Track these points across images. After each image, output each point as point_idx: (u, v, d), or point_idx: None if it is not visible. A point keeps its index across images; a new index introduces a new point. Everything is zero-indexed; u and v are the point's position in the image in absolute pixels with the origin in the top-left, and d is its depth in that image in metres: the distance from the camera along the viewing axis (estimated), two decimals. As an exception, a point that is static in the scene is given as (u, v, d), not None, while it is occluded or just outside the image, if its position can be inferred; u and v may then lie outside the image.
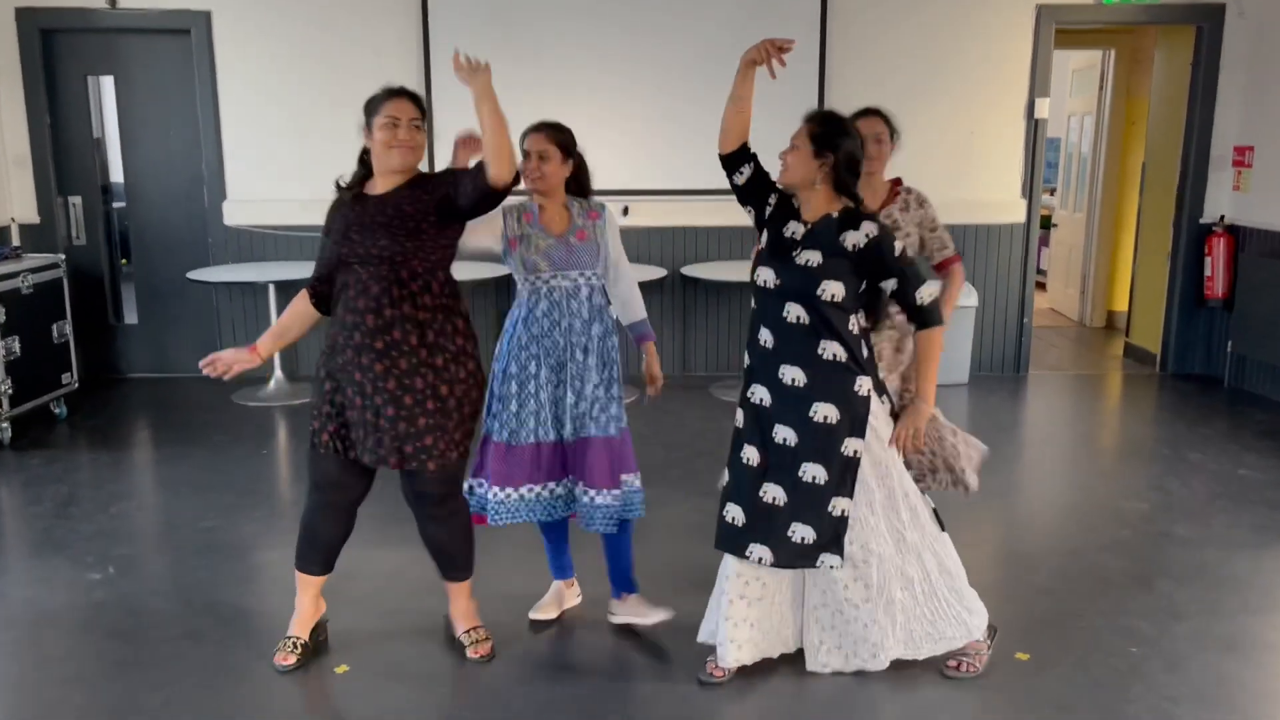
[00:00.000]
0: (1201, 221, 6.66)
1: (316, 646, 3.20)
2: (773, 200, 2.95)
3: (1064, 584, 3.70)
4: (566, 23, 6.35)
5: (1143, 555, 3.96)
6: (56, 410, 5.75)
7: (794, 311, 2.82)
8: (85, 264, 6.60)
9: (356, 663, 3.15)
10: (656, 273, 6.27)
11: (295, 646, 3.13)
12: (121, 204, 6.73)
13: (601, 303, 3.21)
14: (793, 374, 2.83)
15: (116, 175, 6.81)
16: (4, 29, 6.22)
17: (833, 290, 2.79)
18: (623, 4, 6.36)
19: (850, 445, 2.85)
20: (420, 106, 2.94)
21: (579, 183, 3.23)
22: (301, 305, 3.05)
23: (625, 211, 6.43)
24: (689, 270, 6.39)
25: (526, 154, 3.08)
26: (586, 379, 3.15)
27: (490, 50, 6.36)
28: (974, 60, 6.49)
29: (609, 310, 3.26)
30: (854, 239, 2.79)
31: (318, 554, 3.14)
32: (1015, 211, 6.67)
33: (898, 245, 2.83)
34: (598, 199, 3.27)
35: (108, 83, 6.53)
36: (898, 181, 3.43)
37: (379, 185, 2.94)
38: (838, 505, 2.86)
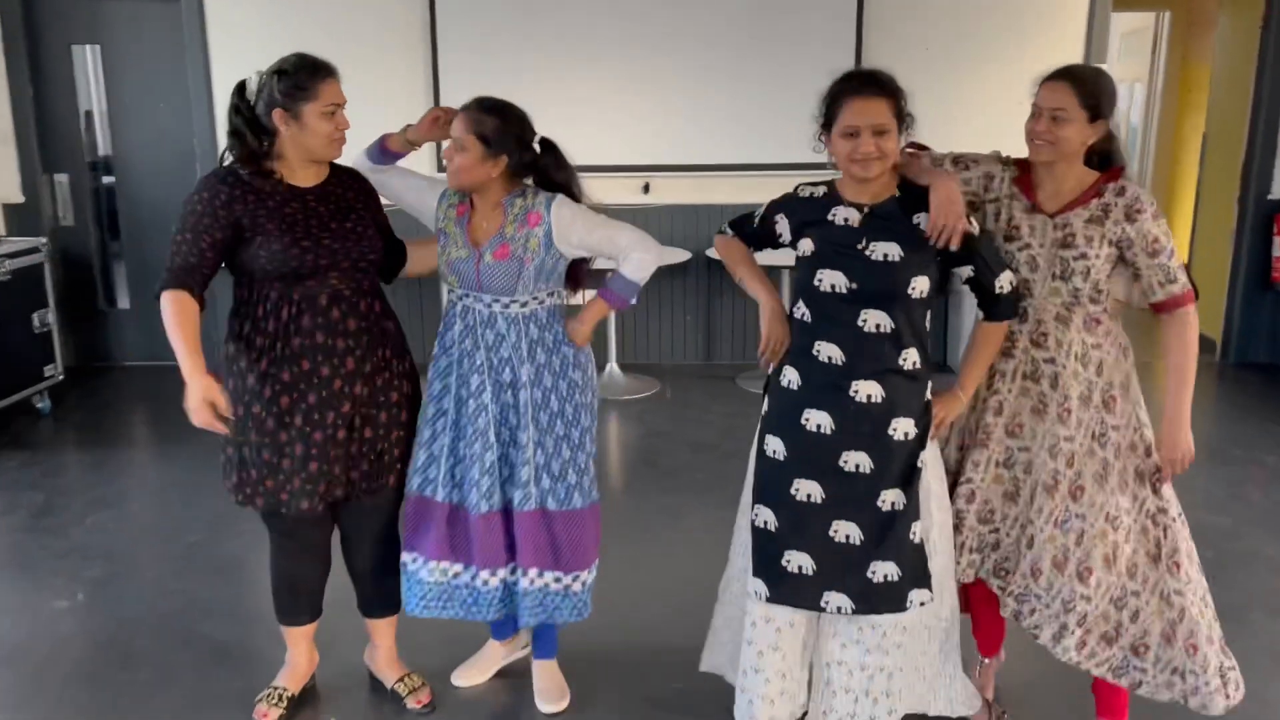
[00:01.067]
0: (1270, 198, 6.16)
1: (303, 696, 2.82)
2: (778, 221, 2.54)
3: (1146, 617, 3.27)
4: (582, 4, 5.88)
5: (1232, 581, 3.53)
6: (39, 405, 5.39)
7: (873, 319, 2.39)
8: (73, 245, 6.21)
9: (350, 713, 2.77)
10: (679, 255, 5.83)
11: (281, 699, 2.75)
12: (111, 179, 6.34)
13: (542, 335, 2.57)
14: (869, 390, 2.41)
15: (107, 150, 6.41)
16: (-19, -5, 5.81)
17: (922, 286, 2.39)
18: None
19: (924, 457, 2.47)
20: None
21: (553, 184, 2.58)
22: (193, 308, 2.38)
23: (646, 189, 5.99)
24: (713, 253, 5.94)
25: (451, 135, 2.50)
26: (521, 432, 2.56)
27: (507, 20, 6.07)
28: (1024, 20, 5.98)
29: (566, 347, 2.60)
30: (927, 220, 2.38)
31: (302, 602, 2.75)
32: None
33: (974, 221, 2.42)
34: (548, 194, 2.55)
35: (94, 52, 6.11)
36: (1106, 175, 2.46)
37: (300, 174, 2.48)
38: (916, 531, 2.46)
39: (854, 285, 2.38)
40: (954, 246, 2.35)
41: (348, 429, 2.51)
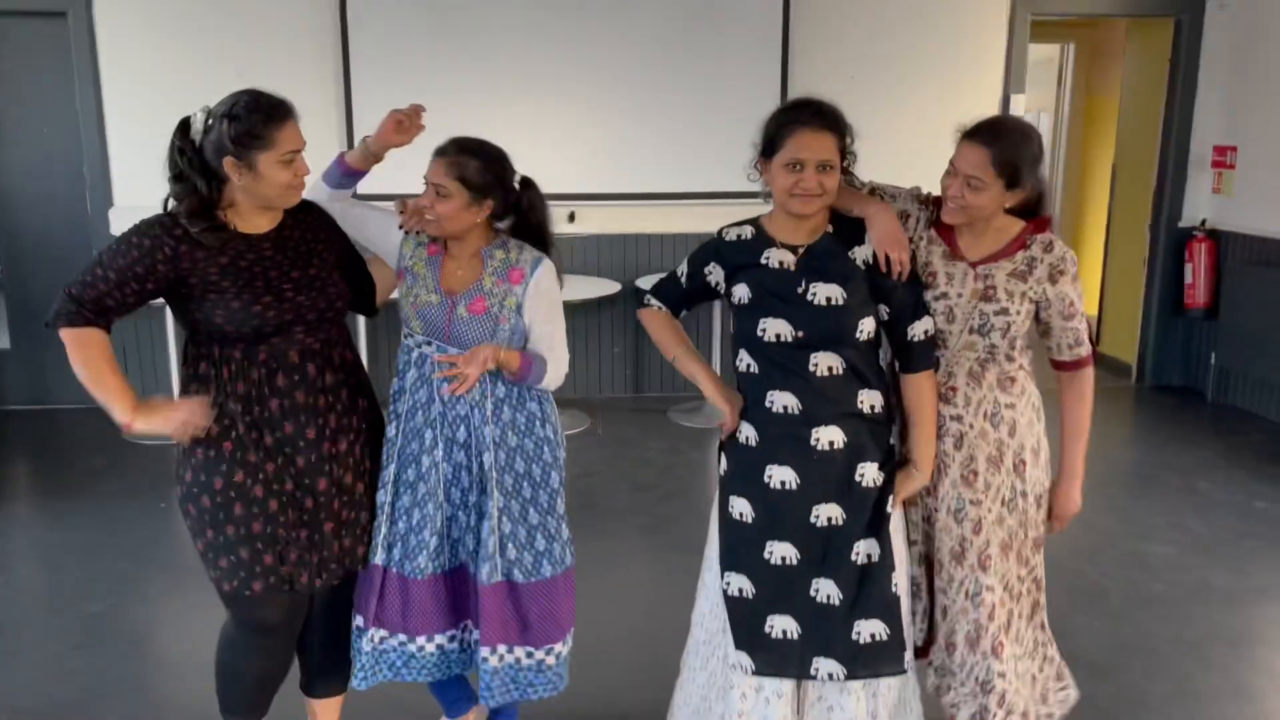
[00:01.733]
0: (1180, 225, 6.31)
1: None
2: (711, 270, 2.38)
3: (1113, 658, 3.21)
4: (505, 8, 5.69)
5: (1187, 615, 3.51)
6: (-90, 456, 4.91)
7: (825, 361, 2.24)
8: (-53, 280, 5.72)
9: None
10: (608, 287, 5.66)
11: None
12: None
13: (509, 392, 2.34)
14: (830, 436, 2.26)
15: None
16: None
17: (868, 328, 2.26)
18: (565, -13, 5.71)
19: (888, 504, 2.32)
20: None
21: (528, 225, 2.40)
22: (108, 344, 2.15)
23: (571, 218, 5.81)
24: (643, 282, 5.80)
25: (426, 183, 2.28)
26: (486, 498, 2.32)
27: (423, 43, 5.83)
28: (946, 49, 6.02)
29: (533, 400, 2.38)
30: (865, 253, 2.26)
31: (266, 696, 2.46)
32: (989, 216, 6.23)
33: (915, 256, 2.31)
34: (535, 253, 2.36)
35: (-31, 71, 5.65)
36: (1033, 224, 2.33)
37: (252, 220, 2.21)
38: (897, 582, 2.32)
39: (800, 333, 2.24)
40: (906, 275, 2.23)
41: (339, 496, 2.28)
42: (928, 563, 2.44)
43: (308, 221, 2.31)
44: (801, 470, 2.27)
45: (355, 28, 5.55)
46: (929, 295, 2.32)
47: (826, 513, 2.28)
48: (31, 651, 3.24)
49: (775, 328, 2.24)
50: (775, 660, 2.31)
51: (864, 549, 2.28)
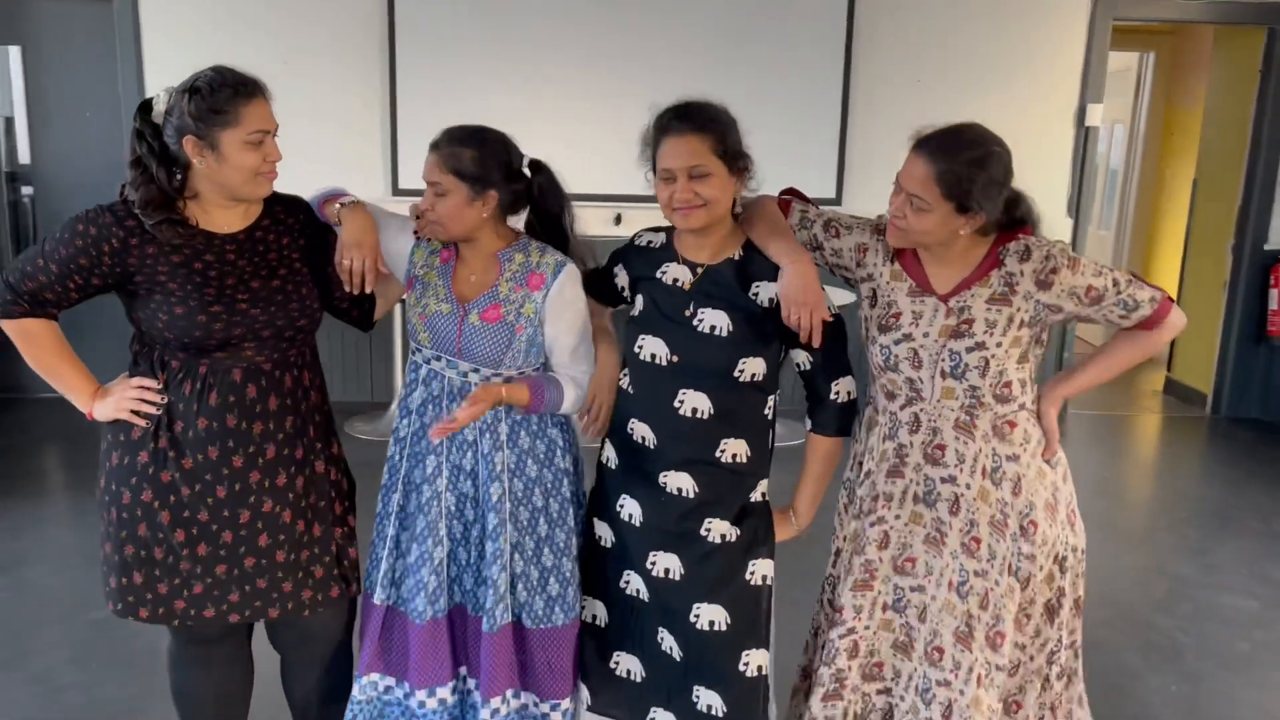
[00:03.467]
0: (1267, 248, 5.92)
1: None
2: (618, 272, 2.17)
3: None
4: (552, 4, 5.47)
5: (1267, 679, 3.18)
6: (-66, 444, 4.81)
7: (691, 400, 2.02)
8: (-15, 264, 5.65)
9: None
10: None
11: None
12: (30, 190, 5.77)
13: (527, 416, 2.10)
14: (678, 482, 2.05)
15: (26, 160, 5.85)
16: (-113, -15, 5.24)
17: (754, 369, 2.01)
18: (620, -20, 5.48)
19: (757, 570, 2.08)
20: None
21: (544, 215, 2.15)
22: (57, 329, 2.00)
23: (618, 220, 5.58)
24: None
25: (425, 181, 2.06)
26: (491, 532, 2.08)
27: (471, 38, 5.63)
28: (1019, 56, 5.69)
29: (555, 425, 2.16)
30: (770, 291, 2.00)
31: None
32: (1059, 231, 5.88)
33: (832, 307, 2.02)
34: (559, 256, 2.09)
35: (14, 54, 5.55)
36: (1003, 236, 2.00)
37: (218, 216, 1.98)
38: (751, 660, 2.07)
39: (674, 358, 2.01)
40: (815, 342, 1.96)
41: (270, 532, 2.03)
42: (903, 650, 2.14)
43: (289, 224, 2.08)
44: (647, 510, 2.08)
45: (402, 13, 5.37)
46: (888, 338, 2.03)
47: (664, 563, 2.08)
48: (30, 662, 3.07)
49: (652, 347, 2.05)
50: (615, 700, 2.18)
51: (707, 614, 2.05)
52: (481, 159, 2.01)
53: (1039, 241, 1.97)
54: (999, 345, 1.95)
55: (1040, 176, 5.82)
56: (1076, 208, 5.88)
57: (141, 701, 2.86)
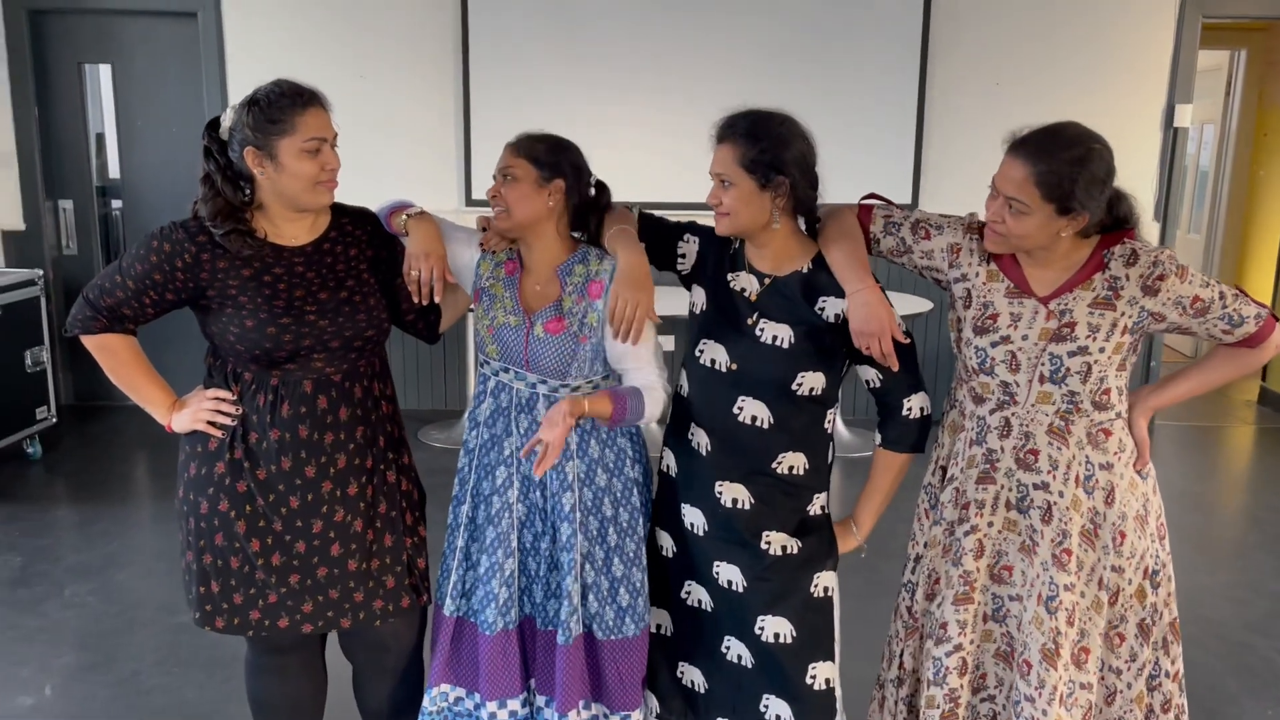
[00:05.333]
0: (1369, 252, 5.67)
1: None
2: (688, 240, 2.12)
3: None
4: (627, 10, 5.46)
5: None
6: (29, 449, 4.97)
7: (749, 409, 2.00)
8: (77, 275, 5.83)
9: None
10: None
11: None
12: (119, 204, 5.96)
13: (595, 425, 2.08)
14: (734, 493, 2.03)
15: (116, 174, 6.04)
16: (-12, 9, 5.46)
17: (813, 383, 1.99)
18: (692, -12, 5.46)
19: (820, 582, 2.05)
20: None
21: (587, 226, 2.14)
22: (135, 344, 2.06)
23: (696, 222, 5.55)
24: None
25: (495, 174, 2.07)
26: (565, 543, 2.07)
27: (545, 49, 5.66)
28: (1103, 56, 5.53)
29: (624, 434, 2.14)
30: (836, 308, 1.97)
31: None
32: (1146, 236, 5.65)
33: (902, 327, 1.99)
34: (611, 261, 2.07)
35: (105, 72, 5.75)
36: (1108, 238, 1.94)
37: (286, 229, 2.02)
38: (819, 673, 2.04)
39: (734, 365, 2.00)
40: (894, 367, 1.94)
41: (342, 541, 2.05)
42: (1005, 660, 2.08)
43: (356, 236, 2.10)
44: (709, 519, 2.07)
45: (476, 27, 5.43)
46: (984, 340, 1.97)
47: (726, 574, 2.07)
48: (117, 664, 3.14)
49: (712, 352, 2.04)
50: (681, 710, 2.18)
51: (771, 627, 2.03)
52: (554, 150, 2.05)
53: (1146, 246, 1.92)
54: (1102, 350, 1.90)
55: (1126, 180, 5.61)
56: (1164, 212, 5.70)
57: (222, 705, 2.92)
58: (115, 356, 2.04)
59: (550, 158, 2.03)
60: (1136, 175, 5.62)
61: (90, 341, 2.02)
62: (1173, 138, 5.62)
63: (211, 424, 2.00)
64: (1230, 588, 3.83)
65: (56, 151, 5.73)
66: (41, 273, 5.02)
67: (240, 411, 2.00)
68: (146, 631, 3.34)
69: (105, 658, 3.19)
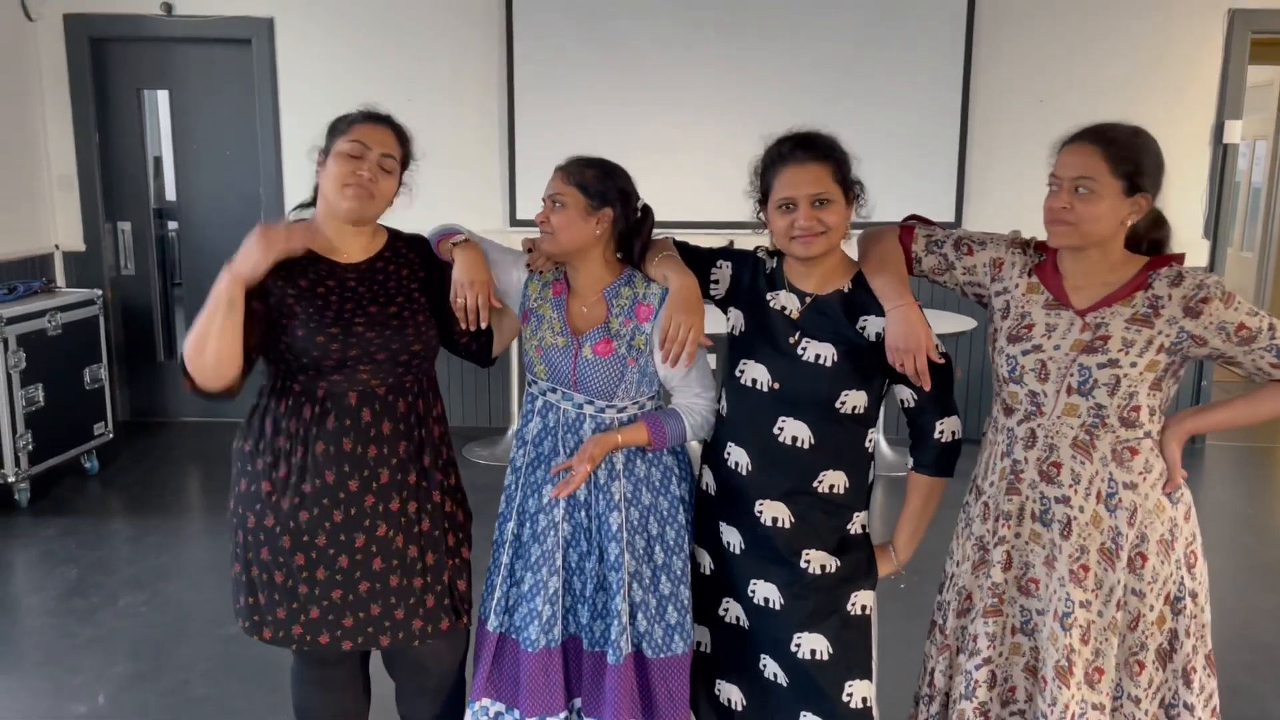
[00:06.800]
0: None
1: None
2: (721, 266, 2.14)
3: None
4: (669, 36, 5.52)
5: None
6: (87, 464, 5.11)
7: (791, 429, 2.02)
8: (134, 295, 6.00)
9: None
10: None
11: None
12: (175, 226, 6.12)
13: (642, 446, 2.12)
14: (774, 512, 2.05)
15: (172, 197, 6.21)
16: (51, 36, 5.65)
17: (855, 402, 2.01)
18: (731, 6, 5.50)
19: (858, 600, 2.06)
20: (404, 144, 2.11)
21: (631, 252, 2.15)
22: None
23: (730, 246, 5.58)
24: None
25: (544, 199, 2.11)
26: (613, 562, 2.09)
27: (586, 69, 5.73)
28: (1151, 73, 5.48)
29: (670, 453, 2.16)
30: (877, 326, 1.99)
31: None
32: (1195, 254, 5.61)
33: (940, 348, 2.01)
34: (658, 285, 2.10)
35: (163, 97, 5.92)
36: (1158, 259, 1.94)
37: (342, 246, 2.09)
38: (855, 692, 2.05)
39: (776, 385, 2.02)
40: (925, 385, 1.96)
41: (384, 557, 2.09)
42: (1033, 674, 2.07)
43: (409, 258, 2.16)
44: (747, 538, 2.08)
45: (520, 51, 5.52)
46: (1016, 349, 1.98)
47: (764, 592, 2.07)
48: (168, 674, 3.22)
49: (754, 372, 2.05)
50: None
51: (808, 644, 2.04)
52: (603, 177, 2.08)
53: (1194, 271, 1.91)
54: (1133, 365, 1.89)
55: (1176, 197, 5.54)
56: (1215, 229, 5.62)
57: (268, 715, 2.97)
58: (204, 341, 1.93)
59: (599, 186, 2.07)
60: (1186, 192, 5.57)
61: (188, 357, 1.97)
62: (1222, 154, 5.55)
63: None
64: (1283, 611, 3.75)
65: (116, 175, 5.91)
66: (100, 293, 5.17)
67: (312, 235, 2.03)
68: (197, 642, 3.42)
69: (156, 667, 3.27)
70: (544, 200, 2.09)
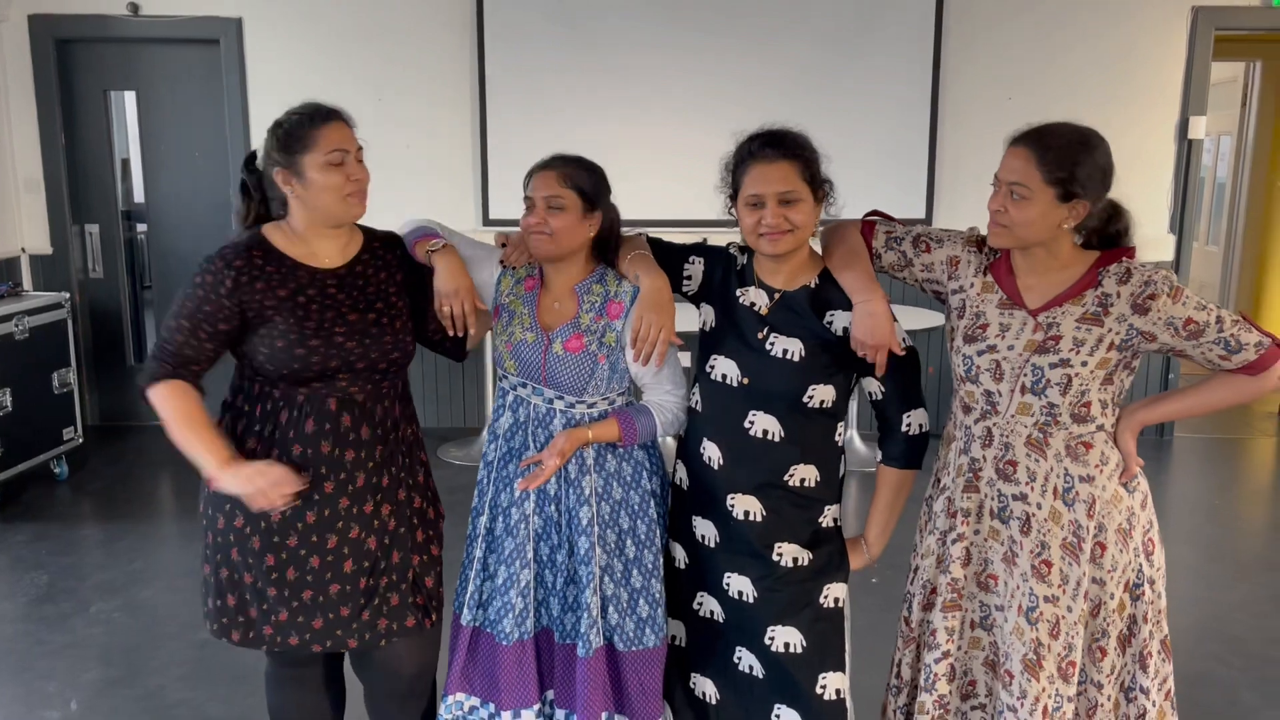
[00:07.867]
0: (1388, 262, 5.65)
1: None
2: (694, 262, 2.15)
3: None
4: (642, 35, 5.53)
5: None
6: (56, 470, 5.06)
7: (761, 423, 2.03)
8: (103, 298, 5.94)
9: None
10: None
11: None
12: (144, 228, 6.06)
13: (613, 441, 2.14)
14: (746, 505, 2.06)
15: (140, 199, 6.15)
16: (16, 37, 5.58)
17: (823, 395, 2.02)
18: (700, 6, 5.52)
19: (831, 593, 2.09)
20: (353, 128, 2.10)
21: (606, 250, 2.16)
22: (197, 397, 2.01)
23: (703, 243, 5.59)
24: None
25: (530, 201, 2.08)
26: (582, 557, 2.10)
27: (558, 65, 5.73)
28: (1117, 69, 5.55)
29: (641, 447, 2.17)
30: (844, 321, 2.01)
31: None
32: (1161, 249, 5.70)
33: (905, 340, 2.03)
34: (630, 283, 2.11)
35: (130, 98, 5.86)
36: (1106, 255, 1.95)
37: (321, 251, 2.07)
38: (829, 684, 2.07)
39: (745, 380, 2.03)
40: (879, 372, 1.99)
41: (355, 558, 2.08)
42: (992, 668, 2.10)
43: (386, 259, 2.15)
44: (721, 531, 2.10)
45: (491, 51, 5.51)
46: (971, 349, 2.01)
47: (738, 585, 2.10)
48: (142, 679, 3.20)
49: (724, 368, 2.07)
50: None
51: (782, 637, 2.07)
52: (595, 180, 2.09)
53: (1142, 266, 1.92)
54: (1084, 364, 1.91)
55: (1141, 193, 5.65)
56: (1180, 224, 5.69)
57: (245, 719, 2.96)
58: (173, 403, 1.98)
59: (594, 189, 2.08)
60: (1151, 187, 5.65)
61: (154, 392, 1.99)
62: (1187, 150, 5.62)
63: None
64: (1250, 601, 3.81)
65: (83, 177, 5.84)
66: (68, 296, 5.12)
67: (306, 487, 2.00)
68: (171, 647, 3.39)
69: (130, 672, 3.24)
70: (535, 201, 2.07)
